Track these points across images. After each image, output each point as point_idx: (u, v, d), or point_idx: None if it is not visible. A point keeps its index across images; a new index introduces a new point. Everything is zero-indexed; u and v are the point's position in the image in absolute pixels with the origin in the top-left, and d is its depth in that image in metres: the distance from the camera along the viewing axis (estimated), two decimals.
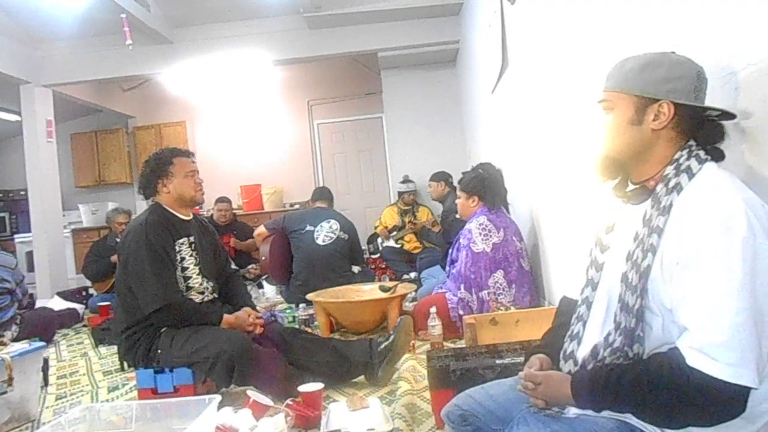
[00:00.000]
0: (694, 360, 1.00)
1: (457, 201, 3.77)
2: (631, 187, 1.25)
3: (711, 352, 0.98)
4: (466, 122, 6.73)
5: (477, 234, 3.44)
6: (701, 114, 1.17)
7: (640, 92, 1.17)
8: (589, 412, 1.16)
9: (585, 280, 1.30)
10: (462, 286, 3.43)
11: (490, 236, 3.43)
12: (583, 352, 1.22)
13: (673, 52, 1.20)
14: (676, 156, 1.16)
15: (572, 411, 1.19)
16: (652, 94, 1.16)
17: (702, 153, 1.14)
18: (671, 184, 1.13)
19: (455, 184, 5.76)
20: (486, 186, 3.59)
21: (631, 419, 1.12)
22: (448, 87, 7.05)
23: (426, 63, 6.97)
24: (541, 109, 3.20)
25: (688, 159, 1.14)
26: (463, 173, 3.79)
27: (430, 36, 6.29)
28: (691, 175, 1.12)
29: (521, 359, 2.02)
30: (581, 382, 1.16)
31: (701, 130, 1.17)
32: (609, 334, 1.16)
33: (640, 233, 1.14)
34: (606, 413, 1.14)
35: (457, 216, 3.99)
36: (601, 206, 1.35)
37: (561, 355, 1.28)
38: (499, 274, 3.39)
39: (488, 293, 3.38)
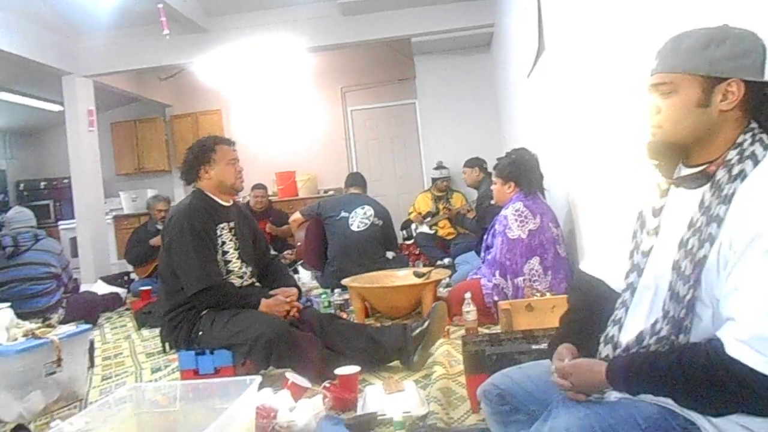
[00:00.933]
0: (737, 351, 0.97)
1: (492, 187, 3.74)
2: (685, 170, 1.19)
3: (757, 345, 0.95)
4: (501, 107, 6.66)
5: (513, 220, 3.41)
6: (765, 91, 1.11)
7: (707, 71, 1.09)
8: (630, 395, 1.15)
9: (630, 264, 1.26)
10: (497, 273, 3.41)
11: (527, 223, 3.40)
12: (625, 338, 1.20)
13: (727, 25, 1.13)
14: (739, 140, 1.10)
15: (613, 395, 1.18)
16: (720, 72, 1.08)
17: (766, 137, 1.09)
18: (735, 171, 1.07)
19: (490, 170, 5.73)
20: (522, 172, 3.55)
21: (672, 404, 1.10)
22: (482, 72, 6.97)
23: (460, 48, 6.91)
24: (578, 93, 3.15)
25: (752, 144, 1.08)
26: (498, 159, 3.76)
27: (465, 20, 6.21)
28: (756, 162, 1.06)
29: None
30: (617, 366, 1.15)
31: (764, 108, 1.11)
32: (656, 322, 1.14)
33: (697, 220, 1.09)
34: (648, 398, 1.13)
35: (492, 202, 3.96)
36: (645, 188, 1.30)
37: (602, 339, 1.26)
38: (534, 261, 3.37)
39: (523, 280, 3.36)
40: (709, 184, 1.11)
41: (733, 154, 1.09)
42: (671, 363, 1.05)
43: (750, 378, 0.95)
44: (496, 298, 3.33)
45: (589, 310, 1.38)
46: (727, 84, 1.09)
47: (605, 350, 1.24)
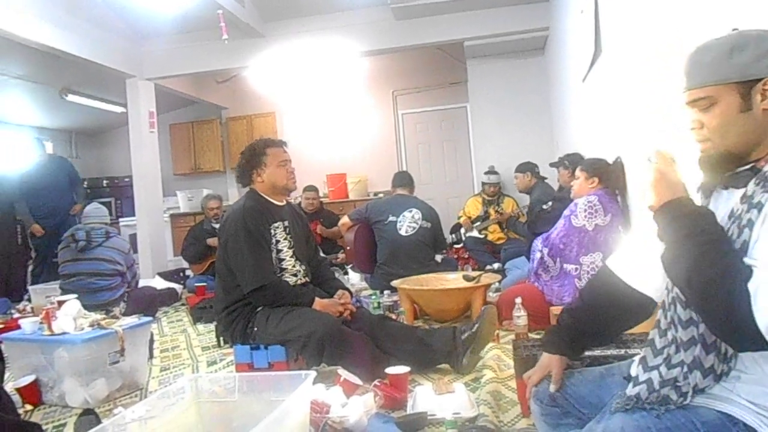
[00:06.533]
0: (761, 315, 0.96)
1: (574, 181, 3.65)
2: (726, 173, 1.18)
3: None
4: (555, 112, 6.58)
5: (582, 209, 3.33)
6: None
7: (741, 77, 1.11)
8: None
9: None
10: (547, 250, 3.40)
11: (595, 216, 3.30)
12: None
13: (740, 30, 1.15)
14: None
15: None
16: (753, 75, 1.10)
17: None
18: None
19: (543, 174, 5.65)
20: (609, 170, 3.50)
21: (734, 411, 1.09)
22: (535, 76, 6.90)
23: (513, 51, 6.85)
24: (636, 97, 3.10)
25: None
26: (569, 154, 3.73)
27: (519, 24, 6.17)
28: None
29: (611, 351, 1.99)
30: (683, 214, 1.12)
31: None
32: None
33: (737, 210, 1.10)
34: (706, 401, 1.11)
35: (571, 195, 3.90)
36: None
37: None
38: (597, 257, 3.27)
39: (575, 268, 3.30)
40: (755, 178, 1.11)
41: None
42: (713, 275, 1.02)
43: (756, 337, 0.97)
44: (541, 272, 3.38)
45: (603, 311, 1.43)
46: (762, 84, 1.10)
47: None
